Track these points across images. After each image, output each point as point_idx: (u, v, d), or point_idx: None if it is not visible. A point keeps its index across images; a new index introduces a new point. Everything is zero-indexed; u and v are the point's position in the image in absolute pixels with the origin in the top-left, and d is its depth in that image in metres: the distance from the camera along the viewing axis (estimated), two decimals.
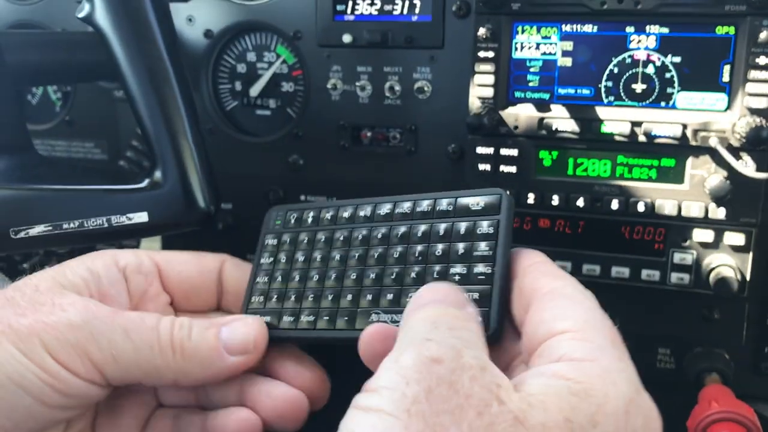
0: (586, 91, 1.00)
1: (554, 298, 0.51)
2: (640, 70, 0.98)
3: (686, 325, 1.04)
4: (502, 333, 0.56)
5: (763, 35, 0.90)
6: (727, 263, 0.96)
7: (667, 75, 0.97)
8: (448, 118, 1.09)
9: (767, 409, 1.01)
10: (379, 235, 0.63)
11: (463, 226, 0.60)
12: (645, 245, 1.00)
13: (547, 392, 0.42)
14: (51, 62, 0.94)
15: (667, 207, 0.97)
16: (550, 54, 1.01)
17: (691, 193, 0.97)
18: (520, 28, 1.01)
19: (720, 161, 0.94)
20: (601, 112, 0.99)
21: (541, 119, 1.00)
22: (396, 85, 1.10)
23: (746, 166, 0.92)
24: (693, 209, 0.96)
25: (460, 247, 0.59)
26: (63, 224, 0.77)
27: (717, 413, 0.88)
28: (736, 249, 0.97)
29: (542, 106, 1.01)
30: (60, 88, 1.33)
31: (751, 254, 0.97)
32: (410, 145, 1.12)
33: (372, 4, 1.10)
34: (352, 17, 1.11)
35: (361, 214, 0.66)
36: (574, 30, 0.99)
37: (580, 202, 1.00)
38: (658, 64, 0.97)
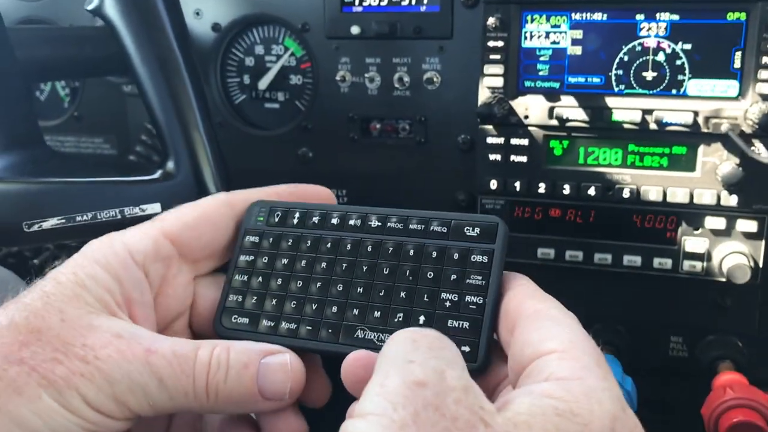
0: (596, 80, 1.00)
1: (539, 320, 0.51)
2: (650, 57, 0.98)
3: (699, 312, 1.04)
4: (489, 363, 0.56)
5: None
6: (739, 250, 0.96)
7: (678, 62, 0.97)
8: (457, 108, 1.09)
9: None
10: (369, 248, 0.61)
11: (456, 252, 0.59)
12: (657, 233, 1.00)
13: (533, 413, 0.42)
14: (60, 57, 0.94)
15: (678, 195, 0.97)
16: (559, 43, 1.00)
17: (703, 181, 0.96)
18: (529, 17, 1.01)
19: (732, 148, 0.94)
20: (612, 100, 0.99)
21: (552, 108, 0.99)
22: (405, 76, 1.10)
23: (759, 153, 0.92)
24: (705, 197, 0.96)
25: (453, 273, 0.58)
26: (76, 217, 0.77)
27: (732, 400, 0.88)
28: (749, 236, 0.97)
29: (552, 95, 1.01)
30: (68, 84, 1.33)
31: (763, 241, 0.96)
32: (420, 136, 1.12)
33: None
34: (360, 8, 1.11)
35: (351, 222, 0.63)
36: (584, 18, 0.99)
37: (592, 191, 1.00)
38: (669, 51, 0.97)
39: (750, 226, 0.96)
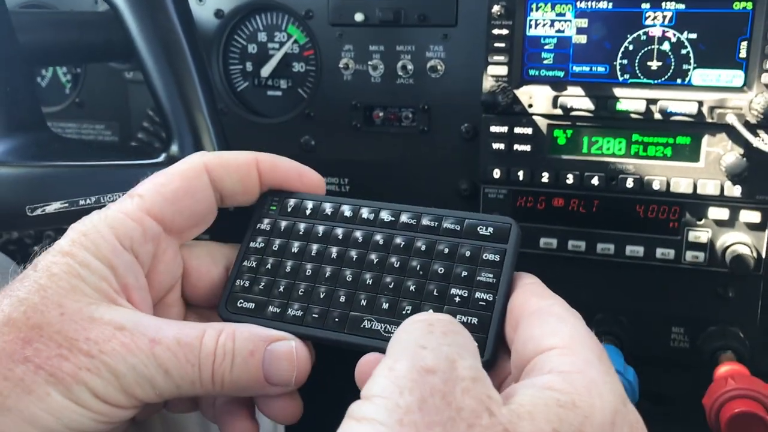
0: (601, 69, 1.00)
1: (542, 316, 0.52)
2: (655, 47, 0.97)
3: (701, 303, 1.03)
4: (496, 360, 0.56)
5: None
6: (742, 241, 0.96)
7: (683, 52, 0.97)
8: (461, 97, 1.08)
9: None
10: (381, 241, 0.62)
11: (468, 250, 0.60)
12: (660, 224, 1.00)
13: (536, 403, 0.43)
14: (63, 42, 0.94)
15: (682, 185, 0.97)
16: (564, 31, 1.00)
17: (706, 171, 0.96)
18: (534, 6, 1.00)
19: (736, 138, 0.94)
20: (616, 89, 0.98)
21: (556, 97, 0.99)
22: (408, 64, 1.10)
23: (764, 143, 0.92)
24: (708, 187, 0.96)
25: (463, 270, 0.59)
26: (79, 200, 0.77)
27: (733, 390, 0.88)
28: (752, 227, 0.96)
29: (557, 84, 1.01)
30: (70, 70, 1.33)
31: (766, 232, 0.96)
32: (423, 125, 1.12)
33: None
34: None
35: (363, 216, 0.64)
36: (589, 7, 0.98)
37: (595, 181, 1.00)
38: (674, 40, 0.97)
39: (753, 216, 0.96)
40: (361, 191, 1.17)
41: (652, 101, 0.96)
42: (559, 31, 1.00)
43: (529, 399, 0.43)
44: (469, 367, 0.43)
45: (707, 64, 0.96)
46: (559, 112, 0.99)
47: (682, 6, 0.95)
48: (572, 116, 1.00)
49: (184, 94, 0.80)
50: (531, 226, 1.04)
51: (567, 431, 0.42)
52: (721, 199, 0.97)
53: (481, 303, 0.57)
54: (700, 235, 0.98)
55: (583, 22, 0.99)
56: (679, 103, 0.95)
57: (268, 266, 0.64)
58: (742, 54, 0.94)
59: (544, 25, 1.01)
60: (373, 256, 0.62)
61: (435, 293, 0.59)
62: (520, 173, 1.02)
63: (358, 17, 1.10)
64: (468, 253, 0.59)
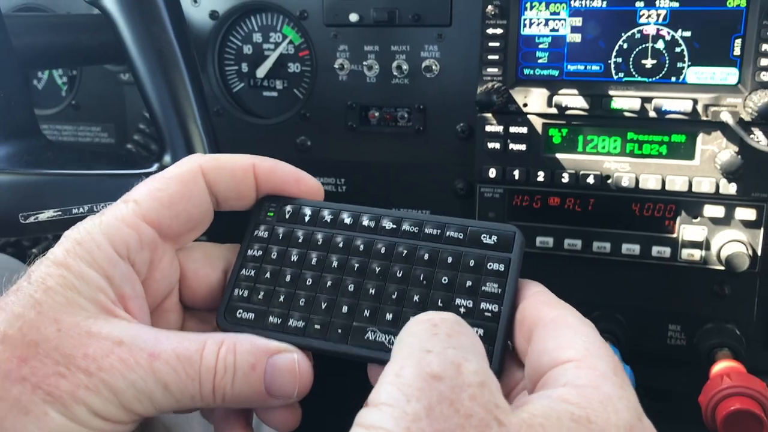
0: (595, 68, 1.00)
1: (557, 328, 0.51)
2: (650, 45, 0.97)
3: (697, 301, 1.04)
4: (502, 371, 0.56)
5: None
6: (738, 239, 0.96)
7: (677, 50, 0.96)
8: (456, 96, 1.08)
9: None
10: (383, 250, 0.61)
11: (472, 259, 0.59)
12: (655, 222, 1.00)
13: (549, 416, 0.42)
14: (58, 45, 0.94)
15: (677, 183, 0.97)
16: (559, 30, 1.00)
17: (701, 169, 0.96)
18: (528, 5, 1.00)
19: (731, 136, 0.94)
20: (611, 88, 0.98)
21: (551, 96, 0.99)
22: (404, 64, 1.10)
23: (758, 141, 0.91)
24: (704, 185, 0.96)
25: (468, 279, 0.58)
26: (72, 209, 0.77)
27: (729, 388, 0.88)
28: (748, 224, 0.96)
29: (552, 83, 1.01)
30: (66, 73, 1.33)
31: (762, 229, 0.96)
32: (419, 125, 1.12)
33: None
34: None
35: (364, 223, 0.62)
36: (583, 5, 0.98)
37: (590, 180, 1.00)
38: (668, 38, 0.96)
39: (749, 214, 0.96)
40: (357, 191, 1.17)
41: (646, 99, 0.96)
42: (553, 30, 1.00)
43: (543, 410, 0.43)
44: (475, 371, 0.43)
45: (701, 62, 0.96)
46: (554, 111, 0.99)
47: (676, 4, 0.95)
48: (567, 115, 1.00)
49: (177, 103, 0.80)
50: (527, 225, 1.04)
51: None
52: (716, 197, 0.97)
53: (486, 314, 0.56)
54: (696, 232, 0.98)
55: (578, 21, 0.99)
56: (673, 101, 0.95)
57: (267, 275, 0.63)
58: (736, 52, 0.94)
59: (538, 24, 1.00)
60: (376, 265, 0.60)
61: (439, 303, 0.58)
62: (516, 172, 1.02)
63: (353, 17, 1.10)
64: (472, 263, 0.58)
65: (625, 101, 0.97)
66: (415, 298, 0.58)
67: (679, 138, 0.97)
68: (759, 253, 0.96)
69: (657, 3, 0.95)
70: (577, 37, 0.99)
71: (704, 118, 0.94)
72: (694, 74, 0.96)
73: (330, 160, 1.17)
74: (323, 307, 0.60)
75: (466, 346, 0.45)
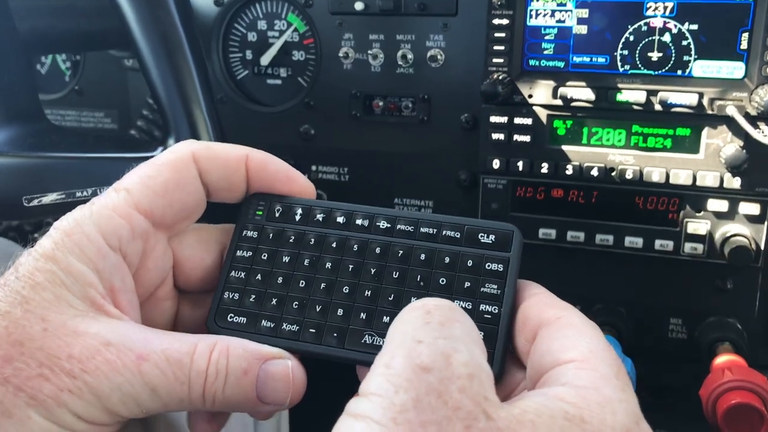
0: (601, 60, 0.99)
1: (560, 328, 0.51)
2: (656, 38, 0.97)
3: (699, 295, 1.03)
4: (503, 374, 0.55)
5: None
6: (741, 233, 0.96)
7: (684, 43, 0.96)
8: (461, 86, 1.08)
9: None
10: (377, 250, 0.60)
11: (470, 259, 0.57)
12: (659, 215, 1.00)
13: (541, 412, 0.42)
14: (61, 29, 0.93)
15: (681, 176, 0.97)
16: (565, 22, 0.99)
17: (706, 163, 0.96)
18: None
19: (736, 130, 0.93)
20: (617, 80, 0.98)
21: (556, 88, 0.99)
22: (408, 53, 1.09)
23: (764, 135, 0.91)
24: (708, 179, 0.96)
25: (466, 280, 0.57)
26: (76, 192, 0.77)
27: (730, 382, 0.88)
28: (751, 219, 0.96)
29: (557, 74, 1.00)
30: (69, 58, 1.32)
31: (765, 224, 0.96)
32: (423, 115, 1.12)
33: None
34: None
35: (358, 222, 0.61)
36: None
37: (594, 172, 0.99)
38: (675, 31, 0.96)
39: (752, 208, 0.96)
40: (360, 181, 1.17)
41: (652, 92, 0.96)
42: (559, 21, 0.99)
43: (536, 407, 0.42)
44: (465, 363, 0.42)
45: (708, 55, 0.95)
46: (559, 102, 0.99)
47: None
48: (572, 107, 0.99)
49: (182, 88, 0.80)
50: (530, 217, 1.04)
51: None
52: (720, 191, 0.96)
53: (486, 316, 0.56)
54: (700, 226, 0.98)
55: (584, 13, 0.98)
56: (679, 94, 0.94)
57: (258, 277, 0.61)
58: (743, 46, 0.93)
59: (544, 15, 1.00)
60: (371, 266, 0.59)
61: None
62: (520, 164, 1.02)
63: (358, 6, 1.09)
64: (470, 263, 0.57)
65: (630, 94, 0.97)
66: (413, 299, 0.57)
67: (684, 131, 0.97)
68: (762, 248, 0.96)
69: None
70: (583, 29, 0.99)
71: (710, 112, 0.94)
72: (701, 68, 0.96)
73: (333, 149, 1.17)
74: (317, 310, 0.59)
75: (458, 335, 0.44)
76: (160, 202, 0.58)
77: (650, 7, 0.96)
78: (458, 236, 0.59)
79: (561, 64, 1.01)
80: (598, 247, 1.03)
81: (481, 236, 0.58)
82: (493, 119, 1.02)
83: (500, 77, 0.99)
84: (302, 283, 0.60)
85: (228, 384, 0.53)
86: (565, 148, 1.01)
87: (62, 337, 0.50)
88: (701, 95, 0.94)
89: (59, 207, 0.76)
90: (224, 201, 0.63)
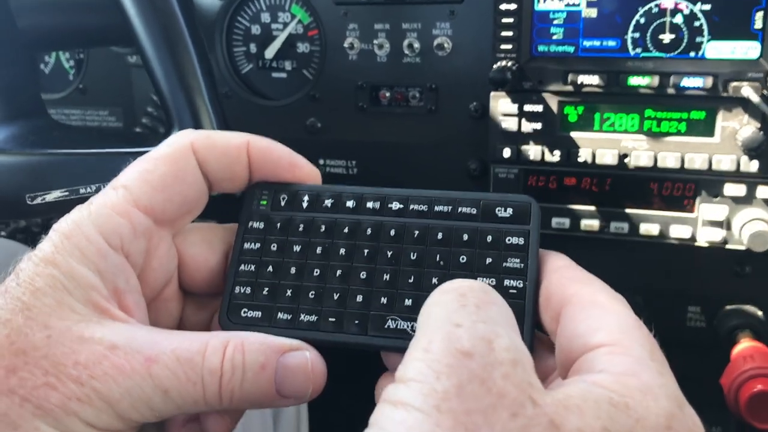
0: (612, 43, 0.97)
1: (585, 308, 0.48)
2: (667, 19, 0.95)
3: (717, 282, 1.02)
4: (532, 350, 0.53)
5: None
6: (760, 218, 0.94)
7: (696, 24, 0.94)
8: (469, 75, 1.06)
9: None
10: (392, 232, 0.57)
11: (489, 234, 0.56)
12: (675, 201, 0.98)
13: (586, 398, 0.40)
14: (63, 26, 0.92)
15: (697, 161, 0.95)
16: (574, 5, 0.97)
17: (722, 146, 0.94)
18: None
19: (753, 112, 0.91)
20: (628, 64, 0.96)
21: (566, 73, 0.97)
22: (415, 42, 1.07)
23: None
24: (724, 163, 0.93)
25: (487, 256, 0.55)
26: (80, 189, 0.76)
27: (752, 369, 0.86)
28: None
29: (567, 60, 0.98)
30: (72, 56, 1.31)
31: None
32: (431, 104, 1.10)
33: None
34: None
35: (369, 205, 0.59)
36: None
37: (608, 159, 0.97)
38: (687, 12, 0.94)
39: None
40: (368, 173, 1.16)
41: (665, 75, 0.94)
42: (568, 5, 0.97)
43: (579, 392, 0.40)
44: (507, 347, 0.41)
45: (721, 35, 0.93)
46: (569, 88, 0.97)
47: None
48: (583, 92, 0.97)
49: (185, 81, 0.78)
50: (542, 206, 1.01)
51: (617, 430, 0.39)
52: (737, 175, 0.94)
53: (512, 291, 0.54)
54: (716, 212, 0.96)
55: None
56: (692, 77, 0.93)
57: (270, 269, 0.59)
58: (758, 25, 0.91)
59: None
60: (387, 250, 0.57)
61: None
62: (531, 152, 1.00)
63: None
64: (489, 239, 0.55)
65: (642, 78, 0.95)
66: (434, 280, 0.55)
67: (699, 115, 0.95)
68: None
69: None
70: (592, 12, 0.97)
71: (724, 94, 0.92)
72: (714, 49, 0.94)
73: (340, 142, 1.15)
74: (335, 298, 0.57)
75: (496, 318, 0.43)
76: (159, 198, 0.56)
77: None
78: (475, 212, 0.57)
79: (571, 49, 0.99)
80: (613, 236, 1.01)
81: (499, 210, 0.56)
82: (503, 107, 1.00)
83: (509, 64, 0.97)
84: (317, 272, 0.58)
85: (245, 380, 0.51)
86: (576, 134, 0.99)
87: (67, 343, 0.48)
88: (716, 77, 0.92)
89: (64, 204, 0.75)
90: (226, 191, 0.61)
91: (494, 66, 0.97)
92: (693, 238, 0.98)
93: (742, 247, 0.95)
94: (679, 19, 0.94)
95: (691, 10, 0.93)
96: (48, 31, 0.90)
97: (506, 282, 0.54)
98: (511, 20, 0.97)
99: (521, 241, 0.55)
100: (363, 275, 0.57)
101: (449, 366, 0.39)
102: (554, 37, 0.99)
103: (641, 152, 0.96)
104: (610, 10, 0.96)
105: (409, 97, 1.11)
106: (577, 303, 0.49)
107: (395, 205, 0.58)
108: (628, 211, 1.00)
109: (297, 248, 0.59)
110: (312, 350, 0.54)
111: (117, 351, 0.49)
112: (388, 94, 1.12)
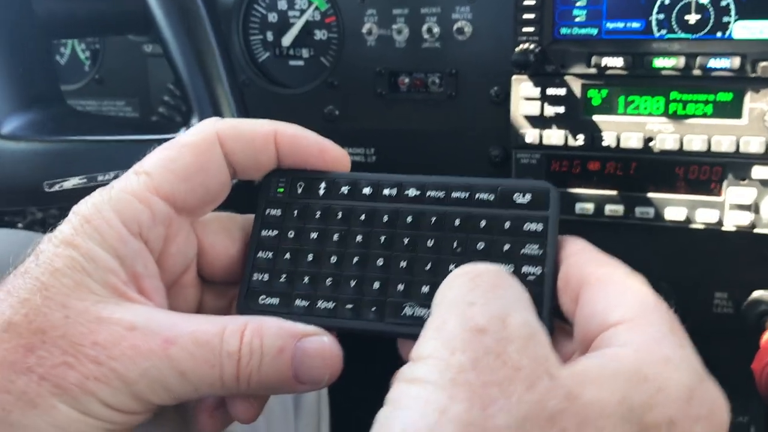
0: (636, 25, 0.95)
1: (603, 287, 0.48)
2: None
3: (745, 267, 1.00)
4: (552, 335, 0.52)
5: None
6: None
7: (723, 3, 0.92)
8: (490, 59, 1.04)
9: None
10: (409, 219, 0.57)
11: (507, 221, 0.55)
12: (701, 185, 0.96)
13: (604, 370, 0.40)
14: (80, 12, 0.91)
15: (724, 144, 0.93)
16: None
17: (750, 128, 0.92)
18: None
19: None
20: (653, 46, 0.94)
21: (589, 56, 0.95)
22: (434, 26, 1.06)
23: None
24: (752, 145, 0.91)
25: (505, 243, 0.54)
26: (98, 176, 0.75)
27: None
28: None
29: (590, 42, 0.97)
30: (88, 47, 1.31)
31: None
32: (451, 90, 1.08)
33: None
34: None
35: (385, 192, 0.58)
36: None
37: (632, 142, 0.96)
38: None
39: None
40: (387, 161, 1.14)
41: (690, 57, 0.92)
42: None
43: (597, 365, 0.40)
44: (522, 324, 0.40)
45: (749, 15, 0.91)
46: (593, 71, 0.95)
47: None
48: (607, 75, 0.95)
49: (204, 67, 0.78)
50: (566, 192, 1.01)
51: (637, 402, 0.38)
52: (765, 158, 0.92)
53: (530, 278, 0.53)
54: (744, 195, 0.94)
55: None
56: (719, 57, 0.91)
57: (287, 256, 0.59)
58: None
59: None
60: (404, 237, 0.57)
61: None
62: (554, 136, 0.98)
63: None
64: (507, 225, 0.55)
65: (667, 59, 0.93)
66: (451, 267, 0.53)
67: (726, 96, 0.93)
68: None
69: None
70: None
71: (753, 75, 0.90)
72: (742, 28, 0.92)
73: (359, 130, 1.14)
74: (352, 285, 0.56)
75: (510, 297, 0.43)
76: (182, 187, 0.55)
77: None
78: (492, 198, 0.56)
79: (594, 31, 0.97)
80: (638, 221, 0.99)
81: (517, 196, 0.55)
82: (525, 91, 0.98)
83: (531, 47, 0.95)
84: (334, 259, 0.58)
85: (263, 364, 0.51)
86: (600, 118, 0.97)
87: (85, 323, 0.48)
88: (743, 57, 0.90)
89: (81, 192, 0.73)
90: (251, 179, 0.61)
91: (516, 49, 0.96)
92: (720, 223, 0.96)
93: None
94: None
95: None
96: (65, 18, 0.90)
97: (524, 269, 0.53)
98: (532, 2, 0.96)
99: (540, 227, 0.54)
100: (380, 262, 0.56)
101: (464, 341, 0.39)
102: (577, 19, 0.97)
103: (666, 135, 0.95)
104: None
105: (428, 83, 1.10)
106: (594, 282, 0.48)
107: (412, 192, 0.58)
108: (653, 195, 0.98)
109: (314, 235, 0.59)
110: (329, 336, 0.54)
111: (135, 332, 0.49)
112: (407, 81, 1.10)
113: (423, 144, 1.12)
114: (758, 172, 0.93)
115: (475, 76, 1.07)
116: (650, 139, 0.95)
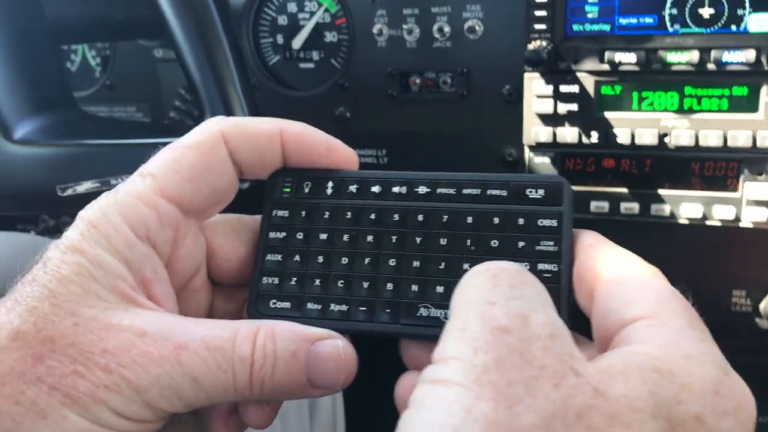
0: (649, 20, 0.95)
1: (619, 283, 0.47)
2: None
3: (764, 264, 0.99)
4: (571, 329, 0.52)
5: None
6: None
7: None
8: (501, 57, 1.04)
9: None
10: (420, 218, 0.56)
11: (521, 217, 0.54)
12: (718, 181, 0.95)
13: (630, 365, 0.39)
14: (92, 16, 0.91)
15: (740, 138, 0.92)
16: None
17: (766, 122, 0.91)
18: None
19: None
20: (666, 41, 0.93)
21: (602, 52, 0.94)
22: (445, 26, 1.05)
23: None
24: None
25: (519, 240, 0.53)
26: (111, 180, 0.74)
27: None
28: None
29: (603, 38, 0.96)
30: (99, 53, 1.31)
31: None
32: (462, 90, 1.08)
33: None
34: None
35: (395, 190, 0.57)
36: None
37: (647, 139, 0.95)
38: None
39: None
40: (399, 162, 1.14)
41: (705, 51, 0.91)
42: None
43: (622, 360, 0.39)
44: (544, 323, 0.40)
45: (764, 7, 0.90)
46: (606, 67, 0.95)
47: None
48: (620, 71, 0.95)
49: (217, 68, 0.77)
50: (581, 190, 1.00)
51: (664, 397, 0.38)
52: None
53: (546, 275, 0.52)
54: (761, 190, 0.93)
55: None
56: (734, 51, 0.90)
57: (297, 259, 0.57)
58: None
59: None
60: (415, 236, 0.55)
61: None
62: (568, 134, 0.97)
63: None
64: (521, 221, 0.54)
65: (681, 54, 0.92)
66: (466, 266, 0.53)
67: (741, 90, 0.92)
68: None
69: None
70: None
71: None
72: (757, 21, 0.91)
73: (370, 131, 1.14)
74: (365, 287, 0.55)
75: (530, 296, 0.42)
76: (187, 188, 0.54)
77: None
78: (505, 194, 0.55)
79: (606, 27, 0.96)
80: (654, 219, 0.98)
81: (529, 192, 0.54)
82: (537, 89, 0.98)
83: (543, 44, 0.94)
84: (344, 261, 0.56)
85: (277, 368, 0.50)
86: (614, 115, 0.96)
87: (94, 331, 0.47)
88: (759, 50, 0.89)
89: (95, 196, 0.73)
90: (257, 178, 0.60)
91: (528, 46, 0.95)
92: (737, 219, 0.95)
93: None
94: None
95: None
96: (76, 22, 0.90)
97: (540, 266, 0.52)
98: None
99: (554, 223, 0.53)
100: (392, 263, 0.55)
101: (487, 342, 0.39)
102: (589, 16, 0.96)
103: (682, 131, 0.94)
104: None
105: (440, 83, 1.09)
106: (610, 278, 0.47)
107: (422, 190, 0.56)
108: (668, 192, 0.97)
109: (323, 236, 0.57)
110: (343, 339, 0.53)
111: (145, 338, 0.48)
112: (418, 81, 1.10)
113: (435, 144, 1.11)
114: None
115: (487, 75, 1.06)
116: (665, 136, 0.94)
